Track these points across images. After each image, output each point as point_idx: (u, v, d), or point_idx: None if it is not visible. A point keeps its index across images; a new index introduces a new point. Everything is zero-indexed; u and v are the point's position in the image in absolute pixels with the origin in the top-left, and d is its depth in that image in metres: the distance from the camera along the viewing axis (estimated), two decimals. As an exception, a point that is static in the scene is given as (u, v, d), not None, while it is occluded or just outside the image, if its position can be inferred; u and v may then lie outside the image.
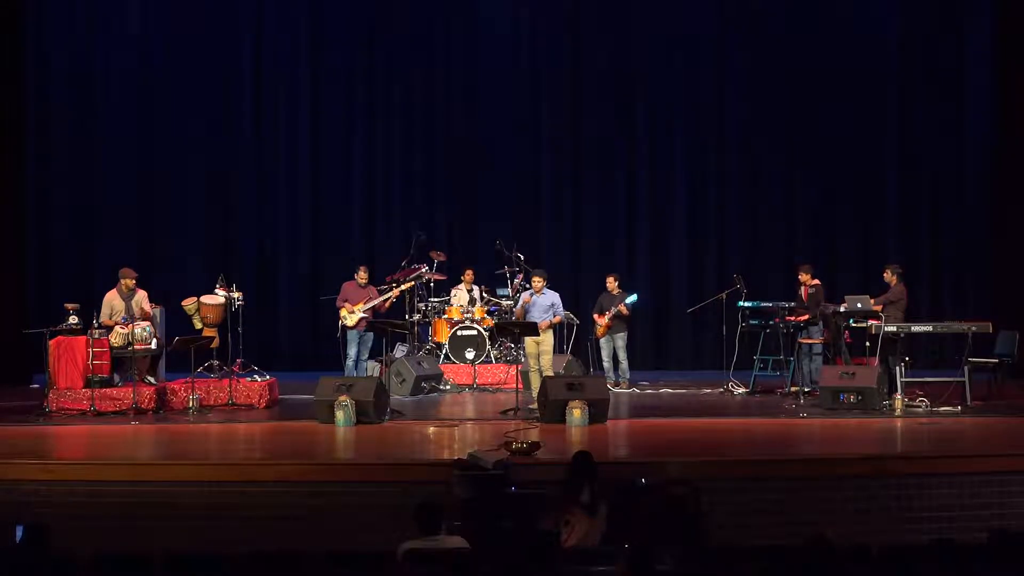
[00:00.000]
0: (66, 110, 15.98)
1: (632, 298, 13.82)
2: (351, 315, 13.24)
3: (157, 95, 16.07)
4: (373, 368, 13.47)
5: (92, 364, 11.48)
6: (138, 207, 16.12)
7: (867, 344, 11.97)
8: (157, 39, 16.11)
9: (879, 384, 11.32)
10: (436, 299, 14.65)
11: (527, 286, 12.63)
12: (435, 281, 14.71)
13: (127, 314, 11.85)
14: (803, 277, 13.10)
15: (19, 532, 6.60)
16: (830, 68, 16.04)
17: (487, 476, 7.96)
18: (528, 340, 11.94)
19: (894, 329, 11.81)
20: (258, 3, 16.43)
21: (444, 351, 14.19)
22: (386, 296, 13.47)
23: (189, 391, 11.65)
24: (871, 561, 5.90)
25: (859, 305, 12.17)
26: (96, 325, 11.55)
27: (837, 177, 16.18)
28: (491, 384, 13.83)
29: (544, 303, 11.96)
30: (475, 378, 13.78)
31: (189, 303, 12.70)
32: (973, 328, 11.83)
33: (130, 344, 11.73)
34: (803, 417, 11.18)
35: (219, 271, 13.01)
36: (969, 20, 16.00)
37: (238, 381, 12.17)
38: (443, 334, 14.32)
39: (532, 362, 11.91)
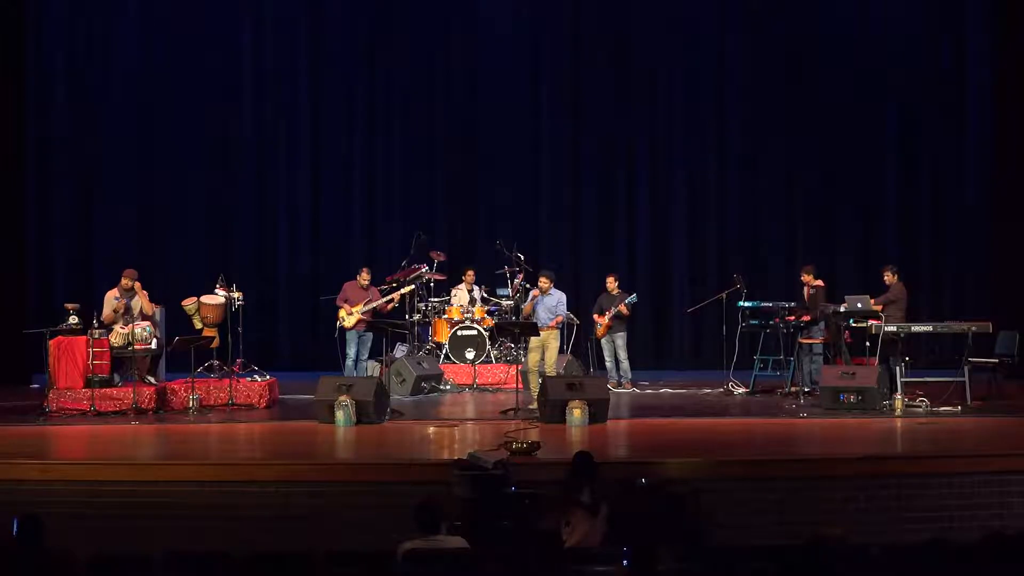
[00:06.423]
0: (66, 110, 15.97)
1: (632, 298, 13.83)
2: (349, 316, 13.22)
3: (157, 95, 16.07)
4: (373, 368, 13.46)
5: (92, 364, 11.47)
6: (138, 207, 16.13)
7: (867, 344, 11.97)
8: (157, 39, 16.11)
9: (879, 384, 11.32)
10: (436, 299, 14.64)
11: (528, 286, 12.63)
12: (435, 281, 14.70)
13: (128, 306, 11.84)
14: (806, 278, 13.08)
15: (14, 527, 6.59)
16: (831, 67, 16.04)
17: (487, 476, 7.95)
18: (534, 335, 11.93)
19: (894, 329, 11.81)
20: (258, 3, 16.44)
21: (444, 351, 14.18)
22: (387, 298, 13.45)
23: (189, 391, 11.65)
24: (870, 561, 5.89)
25: (859, 305, 12.17)
26: (97, 324, 11.54)
27: (837, 177, 16.17)
28: (491, 384, 13.83)
29: (550, 303, 11.96)
30: (475, 378, 13.78)
31: (189, 303, 12.70)
32: (973, 328, 11.82)
33: (130, 344, 11.73)
34: (803, 417, 11.17)
35: (219, 271, 13.00)
36: (970, 19, 15.99)
37: (238, 381, 12.17)
38: (443, 334, 14.32)
39: (535, 355, 11.82)
